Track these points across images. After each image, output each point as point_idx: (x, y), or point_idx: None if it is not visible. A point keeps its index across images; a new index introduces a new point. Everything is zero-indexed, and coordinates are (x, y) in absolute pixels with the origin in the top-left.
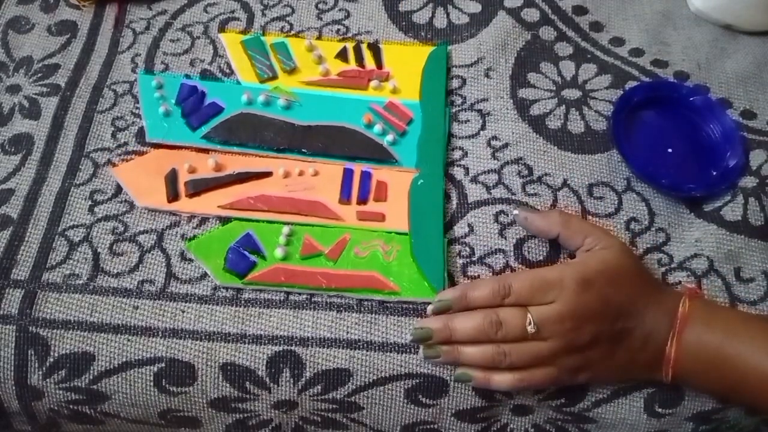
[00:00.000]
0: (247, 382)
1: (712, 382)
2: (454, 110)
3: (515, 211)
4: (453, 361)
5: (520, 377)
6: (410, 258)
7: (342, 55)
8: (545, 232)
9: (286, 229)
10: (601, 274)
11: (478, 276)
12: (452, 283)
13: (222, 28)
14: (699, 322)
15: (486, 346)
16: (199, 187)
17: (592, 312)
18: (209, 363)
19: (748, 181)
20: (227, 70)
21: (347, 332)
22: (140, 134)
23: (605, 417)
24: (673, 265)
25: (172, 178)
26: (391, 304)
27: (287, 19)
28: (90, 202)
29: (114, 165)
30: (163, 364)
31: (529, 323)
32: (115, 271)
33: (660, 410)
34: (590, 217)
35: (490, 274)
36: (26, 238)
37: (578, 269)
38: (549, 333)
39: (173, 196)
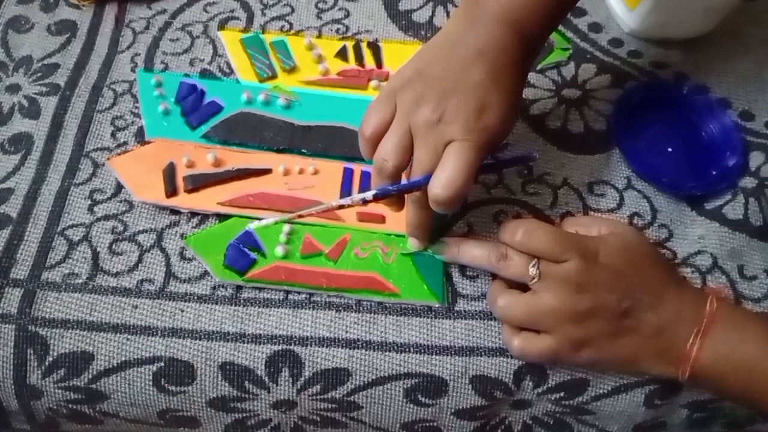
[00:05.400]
0: (246, 382)
1: (738, 390)
2: None
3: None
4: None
5: (519, 344)
6: (410, 260)
7: (342, 54)
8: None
9: (286, 228)
10: (619, 252)
11: (477, 276)
12: (451, 285)
13: (222, 28)
14: (731, 326)
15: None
16: (197, 183)
17: (597, 282)
18: (208, 362)
19: (748, 182)
20: (227, 70)
21: (346, 332)
22: (140, 133)
23: (604, 410)
24: (677, 261)
25: (170, 173)
26: (390, 304)
27: (287, 18)
28: (89, 202)
29: (110, 157)
30: (162, 364)
31: (533, 266)
32: (115, 270)
33: (658, 402)
34: (592, 213)
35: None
36: (25, 238)
37: (598, 242)
38: (548, 288)
39: (171, 191)
